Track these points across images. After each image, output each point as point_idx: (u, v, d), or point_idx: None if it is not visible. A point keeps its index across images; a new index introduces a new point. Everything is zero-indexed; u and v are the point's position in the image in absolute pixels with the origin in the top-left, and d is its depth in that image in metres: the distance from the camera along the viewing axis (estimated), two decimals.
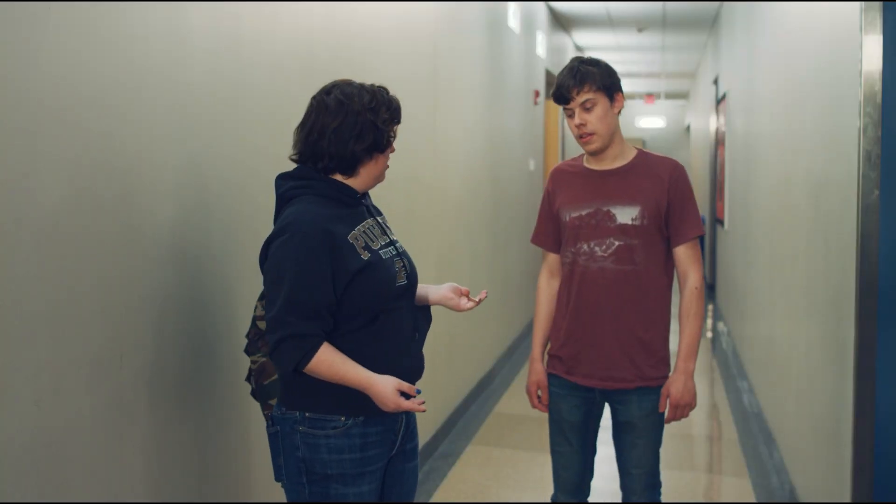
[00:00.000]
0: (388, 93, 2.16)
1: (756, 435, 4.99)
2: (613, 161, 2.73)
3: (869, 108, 2.69)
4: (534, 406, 2.86)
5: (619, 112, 2.70)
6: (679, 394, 2.68)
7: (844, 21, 2.94)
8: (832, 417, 3.12)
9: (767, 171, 5.06)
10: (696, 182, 14.00)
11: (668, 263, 2.74)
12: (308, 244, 2.01)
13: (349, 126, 2.07)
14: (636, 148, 2.77)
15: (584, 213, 2.71)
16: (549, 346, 2.88)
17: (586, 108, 2.63)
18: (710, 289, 10.48)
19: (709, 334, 8.72)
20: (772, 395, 4.76)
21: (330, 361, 2.03)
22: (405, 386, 2.05)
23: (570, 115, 2.66)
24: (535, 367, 2.84)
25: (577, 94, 2.63)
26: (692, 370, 2.70)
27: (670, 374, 2.74)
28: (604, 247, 2.68)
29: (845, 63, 2.92)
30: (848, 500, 2.86)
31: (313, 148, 2.10)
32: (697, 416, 5.86)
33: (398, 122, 2.15)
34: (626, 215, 2.67)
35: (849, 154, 2.86)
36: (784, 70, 4.46)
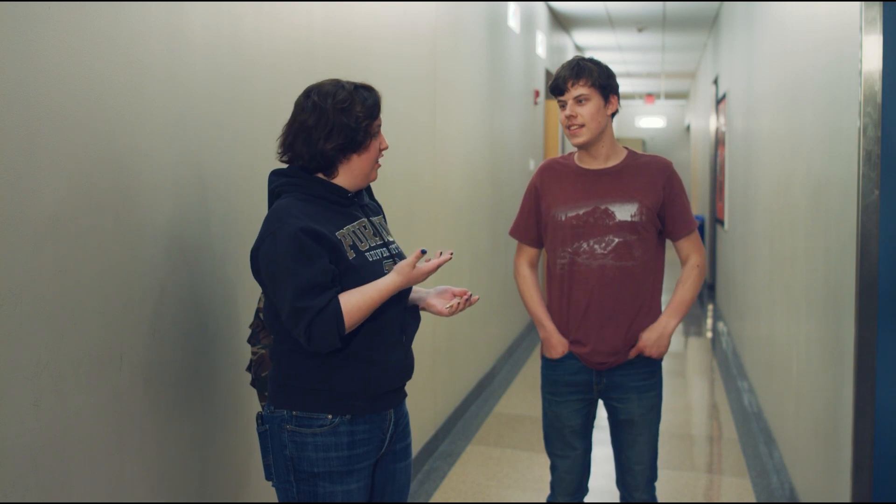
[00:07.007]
0: (367, 90, 2.12)
1: (756, 435, 4.99)
2: (606, 160, 2.79)
3: (869, 108, 2.69)
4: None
5: (613, 115, 2.77)
6: (650, 344, 2.74)
7: (844, 21, 2.94)
8: (832, 417, 3.12)
9: (767, 171, 5.06)
10: (696, 182, 14.01)
11: (660, 258, 2.80)
12: (293, 233, 1.98)
13: (321, 126, 2.05)
14: (625, 148, 2.84)
15: (581, 211, 2.75)
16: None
17: (579, 101, 2.70)
18: (710, 289, 10.48)
19: (709, 334, 8.72)
20: (772, 395, 4.76)
21: (355, 302, 2.01)
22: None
23: (563, 107, 2.74)
24: (557, 339, 2.79)
25: (572, 86, 2.70)
26: (671, 330, 2.75)
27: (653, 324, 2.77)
28: (603, 244, 2.72)
29: (845, 63, 2.92)
30: (847, 500, 2.86)
31: (290, 148, 2.10)
32: (697, 416, 5.86)
33: (375, 117, 2.10)
34: (625, 212, 2.72)
35: (849, 154, 2.86)
36: (784, 70, 4.46)
